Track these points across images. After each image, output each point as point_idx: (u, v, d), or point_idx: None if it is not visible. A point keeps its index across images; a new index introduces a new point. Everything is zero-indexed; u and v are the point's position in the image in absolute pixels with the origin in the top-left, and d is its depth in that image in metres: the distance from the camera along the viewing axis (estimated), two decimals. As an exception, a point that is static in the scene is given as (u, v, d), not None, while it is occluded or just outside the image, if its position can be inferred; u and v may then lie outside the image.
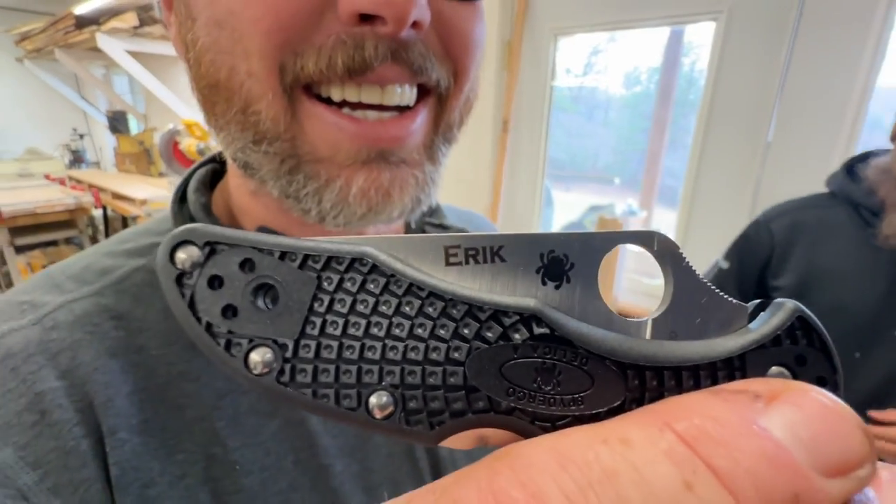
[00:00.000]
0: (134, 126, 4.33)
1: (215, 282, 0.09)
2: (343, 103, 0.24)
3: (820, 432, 0.07)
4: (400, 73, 0.23)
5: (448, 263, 0.09)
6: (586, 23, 1.54)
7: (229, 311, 0.09)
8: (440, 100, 0.27)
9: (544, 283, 0.10)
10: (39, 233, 3.19)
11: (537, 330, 0.09)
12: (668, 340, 0.10)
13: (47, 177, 4.00)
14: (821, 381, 0.10)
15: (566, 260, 0.10)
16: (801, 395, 0.08)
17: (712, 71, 1.33)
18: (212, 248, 0.09)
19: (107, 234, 3.75)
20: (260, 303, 0.09)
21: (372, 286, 0.09)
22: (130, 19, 2.98)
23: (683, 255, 0.10)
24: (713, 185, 1.42)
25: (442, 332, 0.09)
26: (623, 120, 2.86)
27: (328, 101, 0.24)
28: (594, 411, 0.09)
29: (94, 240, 3.50)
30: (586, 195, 3.08)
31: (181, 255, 0.09)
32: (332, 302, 0.09)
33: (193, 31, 0.23)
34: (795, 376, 0.10)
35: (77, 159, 4.76)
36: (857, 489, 0.07)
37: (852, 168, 0.83)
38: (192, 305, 0.08)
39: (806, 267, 0.81)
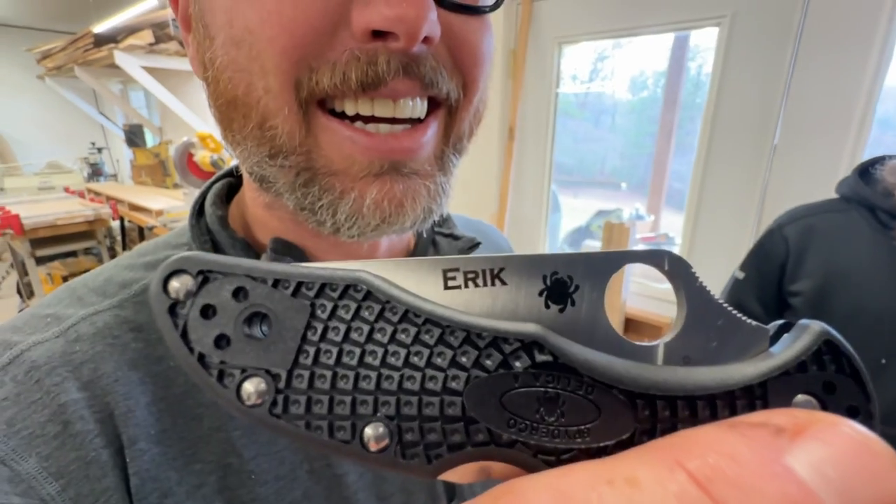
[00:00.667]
0: (150, 139, 4.44)
1: (209, 311, 0.08)
2: (356, 117, 0.25)
3: (851, 472, 0.06)
4: (411, 87, 0.24)
5: (447, 287, 0.09)
6: (589, 31, 1.55)
7: (222, 340, 0.08)
8: (450, 112, 0.27)
9: (548, 307, 0.09)
10: (59, 244, 3.26)
11: (539, 357, 0.08)
12: (681, 366, 0.09)
13: (67, 189, 4.09)
14: (852, 411, 0.09)
15: (570, 282, 0.09)
16: (830, 429, 0.07)
17: (717, 75, 1.34)
18: (205, 276, 0.08)
19: (124, 245, 3.82)
20: (255, 331, 0.08)
21: (366, 313, 0.08)
22: (146, 37, 3.07)
23: (696, 275, 0.10)
24: (720, 189, 1.42)
25: (439, 360, 0.08)
26: (630, 124, 2.85)
27: (342, 116, 0.25)
28: (601, 444, 0.08)
29: (111, 250, 3.57)
30: (594, 200, 3.07)
31: (174, 284, 0.08)
32: (325, 330, 0.08)
33: (212, 51, 0.24)
34: (824, 406, 0.09)
35: (95, 172, 4.87)
36: None
37: (865, 172, 0.83)
38: (184, 335, 0.08)
39: (823, 271, 0.81)
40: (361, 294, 0.08)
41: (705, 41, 1.67)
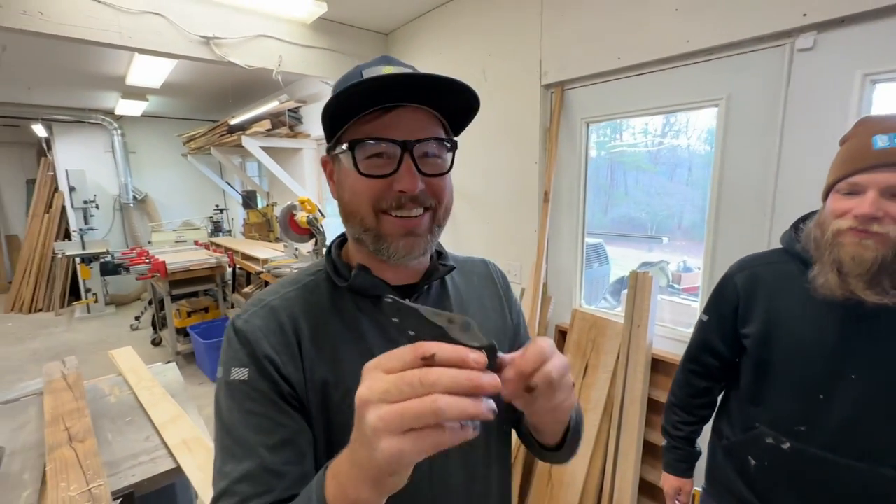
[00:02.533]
0: (259, 201, 5.35)
1: (398, 313, 0.35)
2: (396, 216, 0.55)
3: (465, 357, 0.31)
4: (415, 204, 0.54)
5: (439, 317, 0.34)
6: (608, 112, 1.83)
7: (401, 320, 0.35)
8: (433, 210, 0.57)
9: (450, 322, 0.34)
10: (188, 286, 3.94)
11: (445, 331, 0.33)
12: (466, 338, 0.33)
13: (196, 242, 4.99)
14: (492, 355, 0.33)
15: (470, 323, 0.34)
16: (477, 353, 0.31)
17: (719, 146, 1.52)
18: (394, 300, 0.34)
19: (233, 287, 4.57)
20: (402, 316, 0.35)
21: (415, 316, 0.34)
22: (266, 124, 3.89)
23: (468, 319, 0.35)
24: (730, 240, 1.57)
25: (430, 328, 0.33)
26: (709, 177, 2.88)
27: (392, 214, 0.55)
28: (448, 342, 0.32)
29: (223, 292, 4.23)
30: (663, 253, 3.06)
31: (387, 300, 0.34)
32: (407, 319, 0.34)
33: (344, 194, 0.56)
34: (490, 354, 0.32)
35: (217, 228, 5.76)
36: (460, 363, 0.30)
37: (798, 226, 0.90)
38: (395, 315, 0.35)
39: (767, 316, 0.87)
40: (415, 313, 0.38)
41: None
